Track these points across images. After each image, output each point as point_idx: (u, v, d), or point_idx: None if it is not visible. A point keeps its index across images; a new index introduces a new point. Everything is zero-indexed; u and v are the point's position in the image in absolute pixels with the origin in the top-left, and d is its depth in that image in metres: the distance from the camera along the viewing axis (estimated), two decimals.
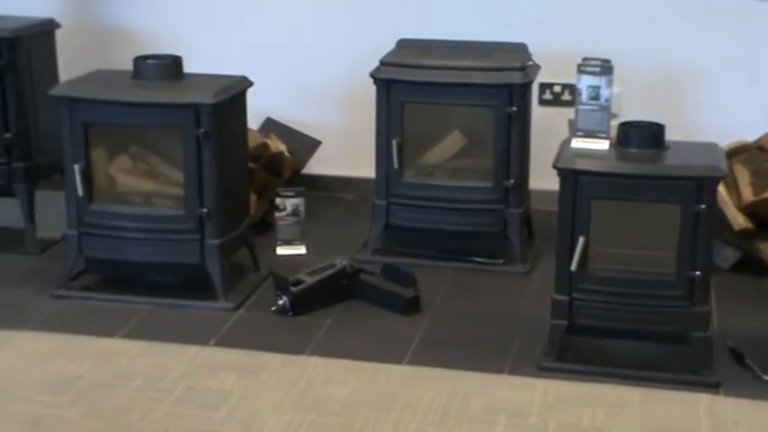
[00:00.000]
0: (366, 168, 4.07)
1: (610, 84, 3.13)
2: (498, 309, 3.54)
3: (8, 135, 4.06)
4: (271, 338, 3.29)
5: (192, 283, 3.57)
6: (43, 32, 4.18)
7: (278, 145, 4.26)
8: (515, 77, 3.72)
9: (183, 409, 2.86)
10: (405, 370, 3.09)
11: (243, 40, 4.52)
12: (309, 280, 3.51)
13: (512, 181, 3.77)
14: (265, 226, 4.11)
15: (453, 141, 3.98)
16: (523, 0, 4.30)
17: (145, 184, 3.69)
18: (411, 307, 3.48)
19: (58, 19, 4.27)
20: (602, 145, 3.10)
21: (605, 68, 3.13)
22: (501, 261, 3.86)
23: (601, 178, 3.00)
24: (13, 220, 4.22)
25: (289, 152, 4.29)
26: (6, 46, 3.97)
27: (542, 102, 4.34)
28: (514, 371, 3.09)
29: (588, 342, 3.18)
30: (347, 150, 4.52)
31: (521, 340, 3.29)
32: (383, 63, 3.80)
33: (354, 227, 4.16)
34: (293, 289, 3.45)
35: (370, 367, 3.09)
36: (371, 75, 3.77)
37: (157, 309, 3.49)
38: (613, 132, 3.13)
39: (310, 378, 3.02)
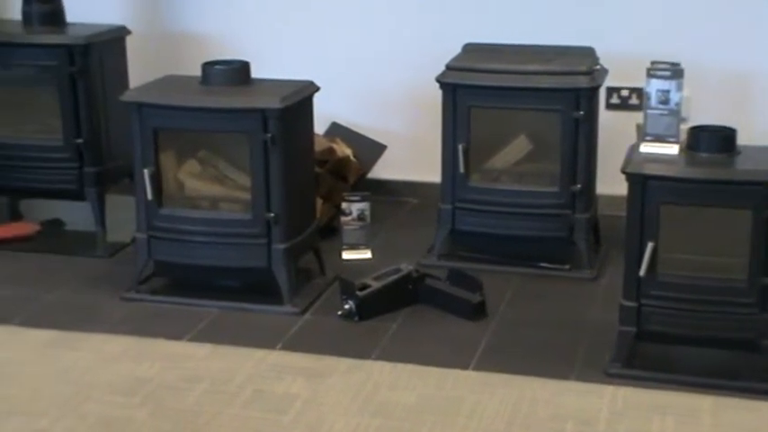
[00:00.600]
0: (432, 173, 4.06)
1: (680, 87, 3.09)
2: (564, 314, 3.51)
3: (80, 140, 4.14)
4: (337, 343, 3.30)
5: (258, 288, 3.60)
6: (114, 39, 4.26)
7: (344, 149, 4.28)
8: (582, 82, 3.69)
9: (251, 413, 2.88)
10: (471, 375, 3.08)
11: (310, 45, 4.54)
12: (375, 284, 3.52)
13: (578, 186, 3.74)
14: (331, 230, 4.13)
15: (519, 146, 3.96)
16: (591, 4, 4.26)
17: (213, 189, 3.72)
18: (477, 312, 3.46)
19: (129, 26, 4.34)
20: (672, 149, 3.06)
21: (675, 72, 3.09)
22: (567, 266, 3.83)
23: (671, 183, 2.96)
24: (84, 224, 4.29)
25: (354, 156, 4.30)
26: (79, 52, 4.05)
27: (609, 106, 4.29)
28: (581, 377, 3.07)
29: (657, 349, 3.14)
30: (413, 155, 4.52)
31: (587, 346, 3.26)
32: (449, 67, 3.79)
33: (420, 231, 4.16)
34: (359, 293, 3.46)
35: (436, 372, 3.08)
36: (438, 79, 3.76)
37: (224, 312, 3.52)
38: (683, 137, 3.09)
39: (376, 383, 3.03)
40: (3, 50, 4.15)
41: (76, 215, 4.36)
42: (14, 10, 4.33)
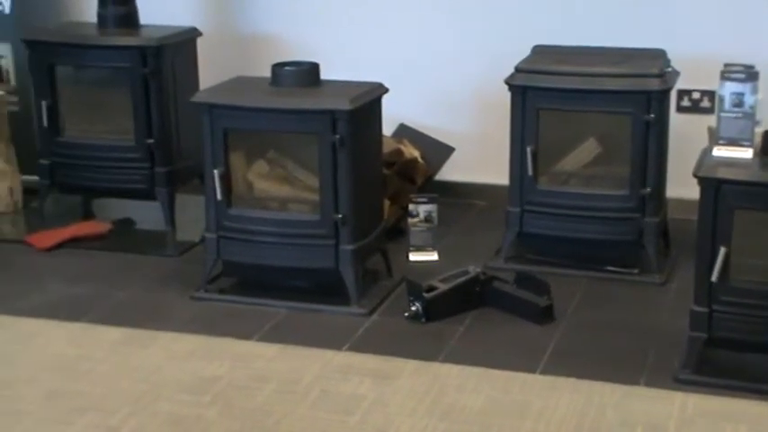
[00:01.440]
0: (499, 175, 4.05)
1: (755, 90, 3.04)
2: (633, 319, 3.48)
3: (151, 140, 4.20)
4: (404, 344, 3.30)
5: (326, 288, 3.62)
6: (186, 41, 4.31)
7: (411, 151, 4.28)
8: (653, 84, 3.65)
9: (319, 413, 2.89)
10: (539, 379, 3.07)
11: (378, 47, 4.55)
12: (443, 286, 3.51)
13: (648, 189, 3.70)
14: (398, 232, 4.13)
15: (589, 149, 3.92)
16: (662, 5, 4.21)
17: (281, 190, 3.75)
18: (545, 315, 3.44)
19: (200, 27, 4.39)
20: (746, 153, 3.01)
21: (750, 75, 3.04)
22: (636, 271, 3.79)
23: (744, 187, 2.91)
24: (154, 223, 4.36)
25: (422, 158, 4.30)
26: (152, 54, 4.11)
27: (680, 109, 4.24)
28: (650, 383, 3.03)
29: (728, 355, 3.10)
30: (480, 157, 4.51)
31: (656, 352, 3.22)
32: (518, 70, 3.77)
33: (487, 234, 4.15)
34: (426, 295, 3.46)
35: (503, 375, 3.07)
36: (506, 81, 3.75)
37: (292, 312, 3.55)
38: (757, 140, 3.03)
39: (444, 385, 3.03)
40: (78, 52, 4.23)
41: (147, 214, 4.43)
42: (91, 13, 4.40)
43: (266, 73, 3.71)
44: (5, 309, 3.55)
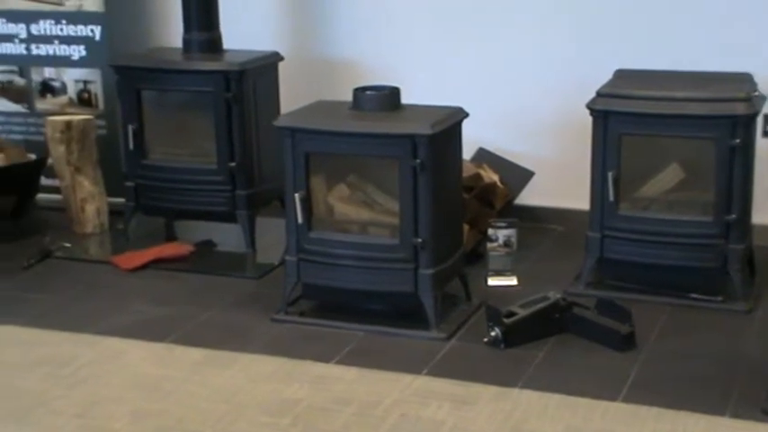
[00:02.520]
0: (579, 200, 4.02)
1: None
2: (717, 348, 3.41)
3: (233, 164, 4.26)
4: (483, 370, 3.29)
5: (405, 312, 3.62)
6: (267, 65, 4.37)
7: (491, 175, 4.27)
8: (739, 109, 3.59)
9: None
10: (620, 407, 3.02)
11: (458, 71, 4.56)
12: (522, 312, 3.49)
13: (733, 215, 3.64)
14: (476, 256, 4.12)
15: (672, 174, 3.87)
16: (749, 28, 4.15)
17: (361, 213, 3.77)
18: (626, 343, 3.40)
19: (282, 52, 4.45)
20: None
21: None
22: (720, 298, 3.72)
23: None
24: (234, 245, 4.41)
25: (501, 183, 4.29)
26: (234, 79, 4.18)
27: (766, 134, 4.16)
28: (737, 414, 2.97)
29: None
30: (560, 182, 4.48)
31: (742, 382, 3.16)
32: (600, 94, 3.75)
33: (567, 259, 4.12)
34: (506, 320, 3.44)
35: (584, 403, 3.04)
36: (588, 106, 3.72)
37: (371, 336, 3.56)
38: None
39: (524, 412, 3.00)
40: (163, 77, 4.31)
41: (228, 237, 4.49)
42: (177, 38, 4.49)
43: (346, 97, 3.74)
44: (92, 328, 3.63)
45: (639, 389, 3.14)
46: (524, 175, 4.42)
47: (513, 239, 4.01)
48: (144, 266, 4.20)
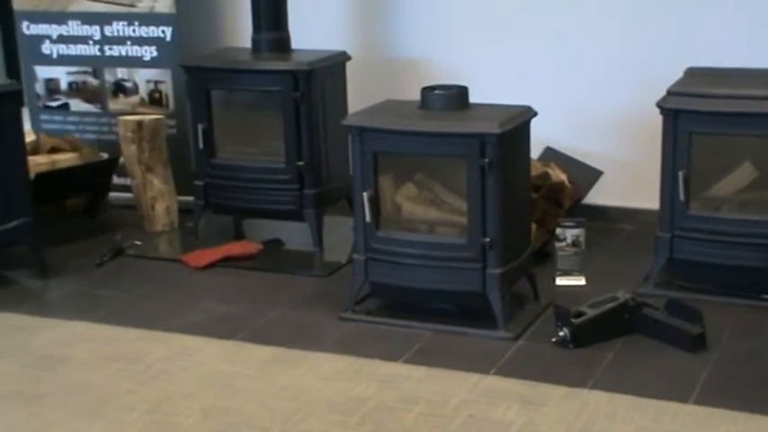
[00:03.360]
0: (649, 199, 3.98)
1: None
2: None
3: (301, 163, 4.29)
4: (551, 370, 3.27)
5: (472, 312, 3.62)
6: (335, 64, 4.39)
7: (559, 174, 4.24)
8: None
9: None
10: (691, 409, 2.99)
11: (525, 70, 4.54)
12: (591, 312, 3.47)
13: None
14: (544, 256, 4.10)
15: (744, 173, 3.81)
16: None
17: (429, 212, 3.76)
18: (697, 344, 3.36)
19: (349, 51, 4.47)
20: None
21: None
22: None
23: None
24: (302, 244, 4.44)
25: (569, 182, 4.26)
26: (303, 78, 4.20)
27: None
28: None
29: None
30: (629, 181, 4.44)
31: None
32: (671, 92, 3.70)
33: (635, 259, 4.08)
34: (574, 321, 3.42)
35: (654, 405, 3.01)
36: (659, 104, 3.68)
37: (438, 335, 3.56)
38: None
39: (593, 413, 2.98)
40: (232, 76, 4.36)
41: (295, 235, 4.52)
42: (246, 38, 4.53)
43: (414, 96, 3.74)
44: (163, 325, 3.68)
45: (710, 391, 3.10)
46: (593, 174, 4.38)
47: (582, 239, 3.98)
48: (213, 265, 4.25)
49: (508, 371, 3.28)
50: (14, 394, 3.22)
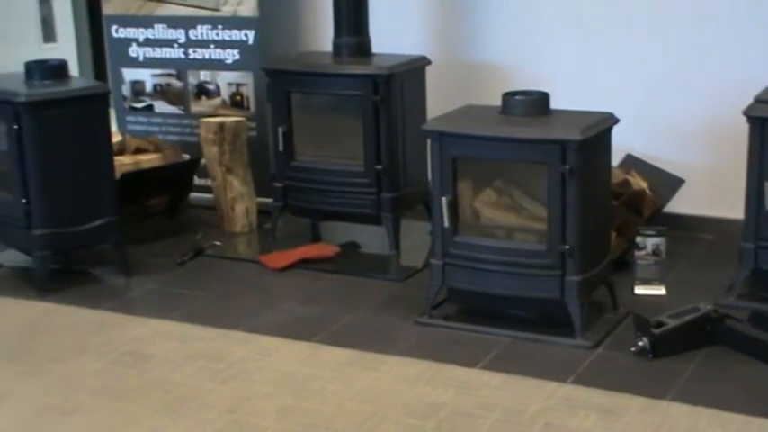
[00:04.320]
0: (732, 209, 3.92)
1: None
2: None
3: (379, 166, 4.30)
4: (630, 380, 3.24)
5: (550, 319, 3.59)
6: (415, 69, 4.40)
7: (639, 182, 4.20)
8: None
9: None
10: None
11: (607, 76, 4.50)
12: (672, 322, 3.42)
13: None
14: (623, 264, 4.06)
15: None
16: None
17: (507, 218, 3.75)
18: None
19: (429, 56, 4.47)
20: None
21: None
22: None
23: None
24: (378, 247, 4.46)
25: (650, 190, 4.21)
26: (383, 82, 4.22)
27: None
28: None
29: None
30: (712, 190, 4.37)
31: None
32: (758, 100, 3.63)
33: (717, 269, 4.02)
34: (655, 331, 3.38)
35: (737, 419, 2.96)
36: (745, 113, 3.61)
37: (516, 342, 3.54)
38: None
39: (673, 425, 2.94)
40: (313, 80, 4.39)
41: (371, 239, 4.54)
42: (327, 42, 4.56)
43: (493, 102, 3.73)
44: (242, 326, 3.73)
45: None
46: (674, 183, 4.32)
47: (662, 248, 3.93)
48: (290, 266, 4.29)
49: (586, 380, 3.25)
50: (99, 389, 3.28)
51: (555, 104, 3.67)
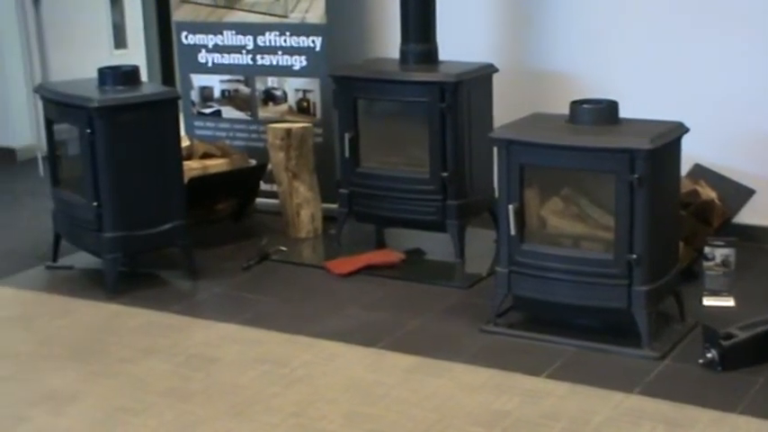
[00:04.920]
0: None
1: None
2: None
3: (445, 174, 4.30)
4: (698, 392, 3.20)
5: (616, 329, 3.57)
6: (482, 77, 4.40)
7: (708, 192, 4.15)
8: None
9: None
10: None
11: (677, 85, 4.45)
12: (742, 335, 3.37)
13: None
14: (691, 274, 4.01)
15: None
16: None
17: (574, 227, 3.73)
18: None
19: (496, 63, 4.47)
20: None
21: None
22: None
23: None
24: (443, 255, 4.46)
25: (719, 200, 4.16)
26: (450, 90, 4.22)
27: None
28: None
29: None
30: None
31: None
32: None
33: None
34: (724, 342, 3.33)
35: None
36: None
37: (581, 351, 3.52)
38: None
39: None
40: (380, 87, 4.41)
41: (436, 246, 4.54)
42: (394, 49, 4.57)
43: (560, 110, 3.72)
44: (307, 330, 3.75)
45: None
46: (744, 193, 4.26)
47: (732, 259, 3.88)
48: (355, 272, 4.31)
49: (653, 391, 3.22)
50: (166, 391, 3.33)
51: (623, 113, 3.64)
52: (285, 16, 4.92)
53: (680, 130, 3.58)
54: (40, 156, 5.96)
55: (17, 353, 3.67)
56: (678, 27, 4.43)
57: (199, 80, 5.19)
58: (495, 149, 3.66)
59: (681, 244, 3.84)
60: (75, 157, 4.22)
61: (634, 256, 3.43)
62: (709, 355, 3.35)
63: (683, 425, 2.99)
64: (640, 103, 4.05)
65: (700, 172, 4.32)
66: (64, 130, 4.37)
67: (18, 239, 4.96)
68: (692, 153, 4.16)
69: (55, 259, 4.52)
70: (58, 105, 4.27)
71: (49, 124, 4.44)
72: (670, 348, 3.50)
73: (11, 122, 6.48)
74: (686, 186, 4.05)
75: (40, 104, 4.66)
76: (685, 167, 4.24)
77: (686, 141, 3.64)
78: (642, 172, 3.38)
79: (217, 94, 5.16)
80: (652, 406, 3.12)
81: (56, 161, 4.47)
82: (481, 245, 4.52)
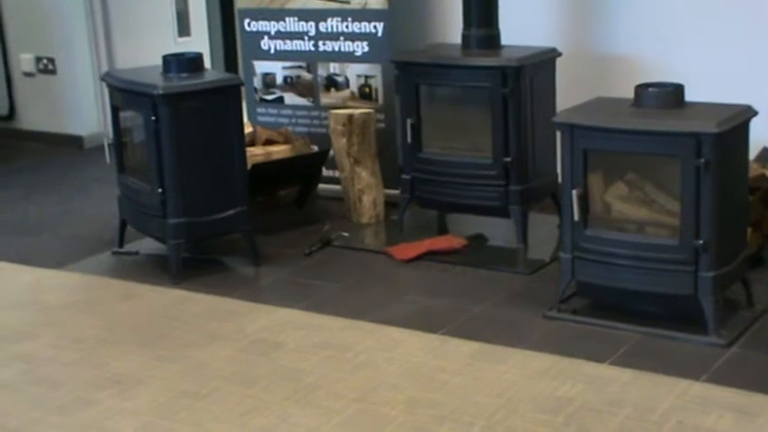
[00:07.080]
0: None
1: None
2: None
3: (507, 159, 4.27)
4: (767, 380, 3.14)
5: (681, 315, 3.52)
6: (545, 61, 4.36)
7: None
8: None
9: None
10: None
11: (742, 67, 4.36)
12: None
13: None
14: (758, 260, 3.94)
15: None
16: None
17: (639, 212, 3.68)
18: None
19: (559, 47, 4.42)
20: None
21: None
22: None
23: None
24: (505, 240, 4.43)
25: None
26: (512, 75, 4.19)
27: None
28: None
29: None
30: None
31: None
32: None
33: None
34: None
35: None
36: None
37: (646, 338, 3.48)
38: None
39: None
40: (442, 72, 4.39)
41: (498, 231, 4.51)
42: (455, 34, 4.55)
43: (624, 94, 3.67)
44: (370, 316, 3.75)
45: None
46: None
47: None
48: (417, 258, 4.30)
49: (720, 378, 3.17)
50: (230, 376, 3.36)
51: (689, 97, 3.58)
52: (347, 2, 4.92)
53: (748, 113, 3.51)
54: (106, 143, 6.04)
55: (84, 337, 3.73)
56: (744, 7, 4.33)
57: (261, 67, 5.21)
58: (559, 134, 3.61)
59: (748, 229, 3.77)
60: (141, 144, 4.27)
61: (700, 241, 3.38)
62: None
63: (751, 413, 2.94)
64: (707, 86, 3.98)
65: None
66: (129, 117, 4.43)
67: (85, 225, 5.04)
68: (761, 137, 4.08)
69: (121, 245, 4.58)
70: (123, 93, 4.32)
71: (114, 111, 4.50)
72: (738, 335, 3.44)
73: (78, 110, 6.58)
74: (754, 171, 3.97)
75: (106, 92, 4.72)
76: (753, 151, 4.17)
77: (755, 125, 3.57)
78: (709, 156, 3.32)
79: (279, 80, 5.18)
80: (719, 393, 3.07)
81: (121, 148, 4.52)
82: (544, 230, 4.49)
